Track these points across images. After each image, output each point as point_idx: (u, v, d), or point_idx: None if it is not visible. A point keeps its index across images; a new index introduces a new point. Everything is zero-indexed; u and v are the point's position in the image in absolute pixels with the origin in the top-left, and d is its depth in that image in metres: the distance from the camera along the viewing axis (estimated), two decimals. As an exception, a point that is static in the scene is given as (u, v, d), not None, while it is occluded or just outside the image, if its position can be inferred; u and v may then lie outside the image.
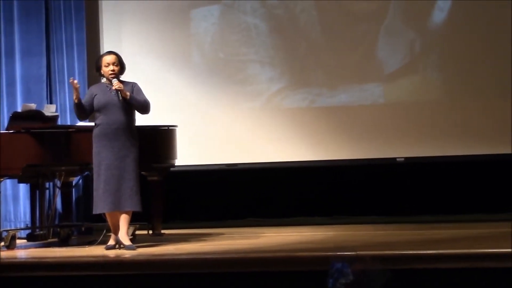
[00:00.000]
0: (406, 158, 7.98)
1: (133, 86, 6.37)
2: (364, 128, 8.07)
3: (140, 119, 6.61)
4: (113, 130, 6.20)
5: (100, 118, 6.27)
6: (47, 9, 8.31)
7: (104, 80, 6.34)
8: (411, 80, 8.06)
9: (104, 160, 6.19)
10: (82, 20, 8.30)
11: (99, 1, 8.40)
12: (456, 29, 8.01)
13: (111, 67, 6.27)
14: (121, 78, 6.33)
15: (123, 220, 6.20)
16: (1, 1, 8.29)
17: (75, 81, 6.22)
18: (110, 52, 6.43)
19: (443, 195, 7.89)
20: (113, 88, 6.20)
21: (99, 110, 6.27)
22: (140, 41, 8.36)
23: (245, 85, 8.27)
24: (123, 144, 6.21)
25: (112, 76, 6.25)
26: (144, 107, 6.34)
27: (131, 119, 6.31)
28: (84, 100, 6.34)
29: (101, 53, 7.41)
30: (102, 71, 6.32)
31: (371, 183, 8.06)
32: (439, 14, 8.03)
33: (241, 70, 8.28)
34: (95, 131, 6.27)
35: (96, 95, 6.30)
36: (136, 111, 6.37)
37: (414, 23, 8.06)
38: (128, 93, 6.23)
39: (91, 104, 6.29)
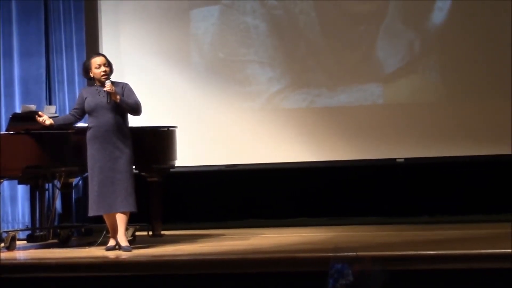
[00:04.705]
0: (405, 158, 7.98)
1: (123, 87, 6.32)
2: (364, 128, 8.07)
3: (140, 120, 6.60)
4: (103, 132, 6.18)
5: (91, 121, 6.27)
6: (46, 10, 8.32)
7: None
8: (411, 80, 8.05)
9: (97, 162, 6.18)
10: (81, 20, 8.30)
11: (98, 2, 8.40)
12: (455, 29, 8.00)
13: (103, 68, 6.25)
14: (111, 79, 6.29)
15: (120, 221, 6.19)
16: (0, 2, 8.29)
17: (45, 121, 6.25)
18: (98, 54, 6.45)
19: (443, 195, 7.88)
20: (105, 89, 6.16)
21: (90, 113, 6.27)
22: (139, 42, 8.35)
23: (244, 86, 8.27)
24: (114, 146, 6.19)
25: (105, 77, 6.22)
26: (135, 109, 6.30)
27: (122, 120, 6.27)
28: (76, 103, 6.39)
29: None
30: (91, 73, 6.29)
31: (371, 183, 8.05)
32: (439, 14, 8.02)
33: (240, 71, 8.27)
34: (88, 134, 6.26)
35: (86, 98, 6.28)
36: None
37: (413, 24, 8.05)
38: (118, 97, 6.18)
39: (83, 108, 6.30)
